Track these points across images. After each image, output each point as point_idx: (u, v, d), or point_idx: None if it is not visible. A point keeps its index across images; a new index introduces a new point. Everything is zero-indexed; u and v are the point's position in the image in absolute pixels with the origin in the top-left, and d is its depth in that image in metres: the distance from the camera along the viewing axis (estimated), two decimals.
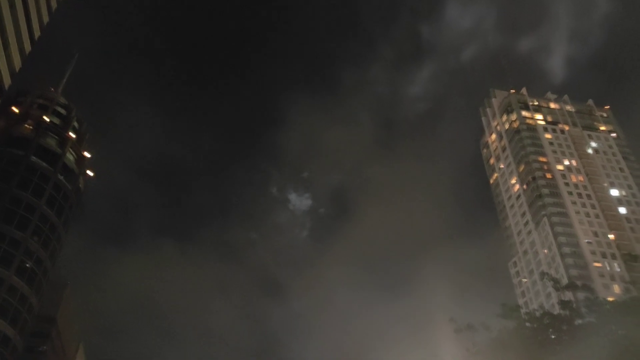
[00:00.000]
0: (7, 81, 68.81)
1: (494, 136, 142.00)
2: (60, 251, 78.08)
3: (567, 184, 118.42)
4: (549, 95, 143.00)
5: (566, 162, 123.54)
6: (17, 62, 69.92)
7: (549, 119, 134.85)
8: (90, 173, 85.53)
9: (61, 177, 77.22)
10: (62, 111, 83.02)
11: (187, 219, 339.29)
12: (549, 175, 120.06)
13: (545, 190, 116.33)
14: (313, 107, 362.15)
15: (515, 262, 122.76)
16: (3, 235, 67.92)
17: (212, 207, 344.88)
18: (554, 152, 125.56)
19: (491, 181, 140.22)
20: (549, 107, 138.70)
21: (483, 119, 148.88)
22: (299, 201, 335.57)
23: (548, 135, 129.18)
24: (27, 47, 71.95)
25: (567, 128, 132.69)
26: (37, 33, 73.70)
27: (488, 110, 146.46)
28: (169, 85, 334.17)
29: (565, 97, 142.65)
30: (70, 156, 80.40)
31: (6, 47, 66.25)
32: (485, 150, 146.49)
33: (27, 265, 69.68)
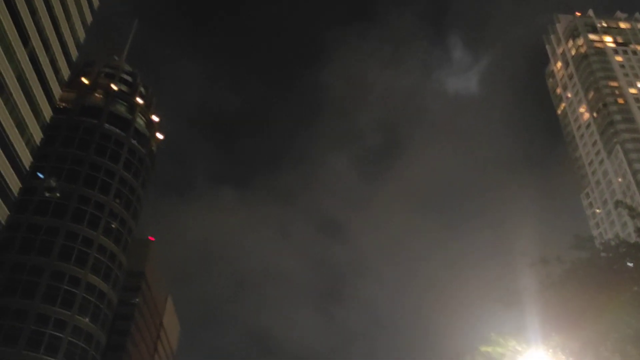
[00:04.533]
0: (73, 53, 71.80)
1: (559, 64, 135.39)
2: (141, 211, 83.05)
3: None
4: (619, 14, 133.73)
5: (639, 85, 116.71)
6: (81, 34, 72.60)
7: (619, 40, 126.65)
8: (160, 136, 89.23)
9: (134, 142, 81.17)
10: (128, 78, 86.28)
11: (240, 166, 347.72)
12: (621, 101, 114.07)
13: (617, 117, 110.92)
14: (359, 47, 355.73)
15: (587, 194, 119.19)
16: (88, 199, 72.75)
17: (264, 152, 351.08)
18: (626, 75, 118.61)
19: (558, 112, 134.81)
20: (618, 28, 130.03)
21: (547, 47, 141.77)
22: (350, 142, 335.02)
23: (619, 58, 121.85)
24: (88, 17, 74.40)
25: (639, 48, 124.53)
26: (96, 3, 75.94)
27: (552, 37, 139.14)
28: (208, 32, 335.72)
29: (637, 14, 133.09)
30: (140, 121, 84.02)
31: (69, 19, 68.84)
32: (550, 80, 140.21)
33: (113, 225, 74.71)
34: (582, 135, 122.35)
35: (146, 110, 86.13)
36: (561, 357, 19.09)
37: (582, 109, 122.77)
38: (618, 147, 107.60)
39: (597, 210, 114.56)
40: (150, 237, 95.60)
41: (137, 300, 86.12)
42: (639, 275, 18.33)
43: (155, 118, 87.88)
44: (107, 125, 78.87)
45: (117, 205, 75.67)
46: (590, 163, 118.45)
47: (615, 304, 17.88)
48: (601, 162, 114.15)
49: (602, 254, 20.24)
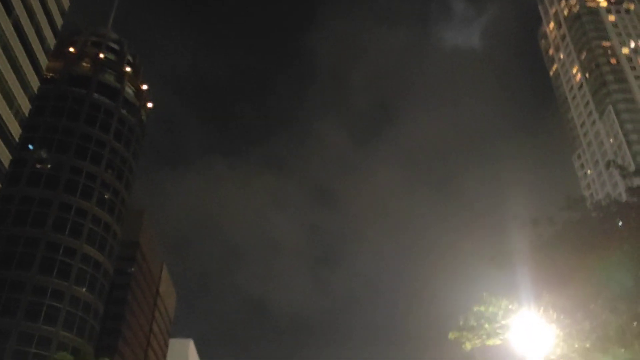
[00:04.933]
0: (58, 21, 70.29)
1: (552, 25, 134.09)
2: (134, 181, 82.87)
3: (633, 68, 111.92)
4: None
5: (632, 45, 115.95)
6: (66, 1, 70.98)
7: None
8: (149, 105, 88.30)
9: (124, 111, 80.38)
10: (115, 46, 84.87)
11: (232, 134, 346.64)
12: (613, 61, 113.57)
13: (610, 77, 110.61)
14: (350, 7, 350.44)
15: (579, 155, 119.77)
16: (79, 170, 72.44)
17: (255, 120, 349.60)
18: (619, 34, 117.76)
19: (551, 73, 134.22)
20: None
21: (540, 7, 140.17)
22: (341, 107, 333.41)
23: (611, 17, 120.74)
24: None
25: (632, 7, 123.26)
26: None
27: None
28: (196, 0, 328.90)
29: None
30: (129, 90, 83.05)
31: None
32: (543, 41, 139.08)
33: (106, 196, 74.61)
34: (574, 97, 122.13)
35: (135, 78, 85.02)
36: (552, 315, 19.42)
37: (574, 70, 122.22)
38: (610, 107, 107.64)
39: (589, 171, 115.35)
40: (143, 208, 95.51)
41: (132, 269, 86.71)
42: (629, 234, 18.53)
43: (144, 87, 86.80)
44: (96, 95, 77.96)
45: (109, 175, 75.44)
46: (582, 124, 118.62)
47: (605, 263, 18.14)
48: (593, 123, 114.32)
49: (593, 215, 20.40)
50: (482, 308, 20.73)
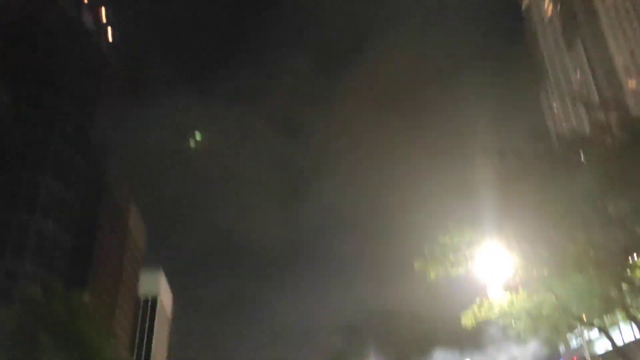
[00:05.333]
0: None
1: None
2: (97, 115, 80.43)
3: (603, 1, 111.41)
4: None
5: None
6: None
7: None
8: (109, 35, 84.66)
9: (84, 41, 76.87)
10: None
11: (196, 66, 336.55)
12: None
13: (580, 9, 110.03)
14: None
15: (546, 89, 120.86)
16: (39, 102, 69.82)
17: (219, 50, 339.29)
18: None
19: (523, 7, 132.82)
20: None
21: None
22: (309, 35, 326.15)
23: None
24: None
25: None
26: None
27: None
28: None
29: None
30: (88, 18, 79.09)
31: None
32: None
33: (68, 130, 72.48)
34: (544, 31, 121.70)
35: (93, 6, 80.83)
36: (514, 244, 20.01)
37: (546, 3, 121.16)
38: (579, 41, 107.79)
39: (555, 105, 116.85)
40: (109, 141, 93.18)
41: (100, 204, 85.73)
42: (590, 168, 18.93)
43: (103, 15, 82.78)
44: (52, 24, 73.99)
45: (71, 107, 72.97)
46: (551, 58, 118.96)
47: (566, 195, 18.58)
48: (561, 57, 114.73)
49: (557, 148, 20.71)
50: (447, 239, 21.25)
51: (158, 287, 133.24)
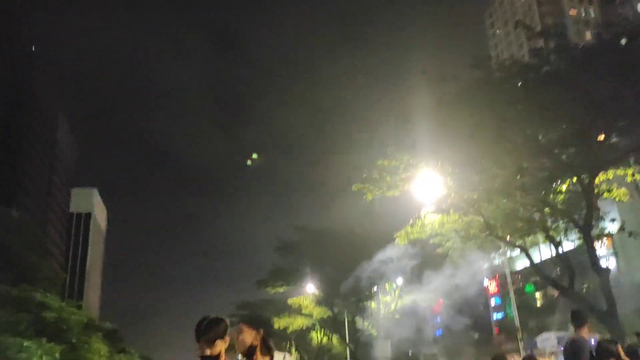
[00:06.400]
0: None
1: None
2: (19, 16, 74.15)
3: None
4: None
5: None
6: None
7: None
8: None
9: None
10: None
11: None
12: None
13: None
14: None
15: (490, 13, 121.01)
16: None
17: None
18: None
19: None
20: None
21: None
22: None
23: None
24: None
25: None
26: None
27: None
28: None
29: None
30: None
31: None
32: None
33: None
34: None
35: None
36: (447, 168, 20.51)
37: None
38: None
39: (498, 31, 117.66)
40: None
41: (24, 115, 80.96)
42: (525, 95, 19.27)
43: None
44: None
45: None
46: None
47: (499, 121, 19.01)
48: None
49: (496, 74, 20.88)
50: (385, 162, 21.55)
51: (92, 204, 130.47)
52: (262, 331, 3.94)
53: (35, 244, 50.20)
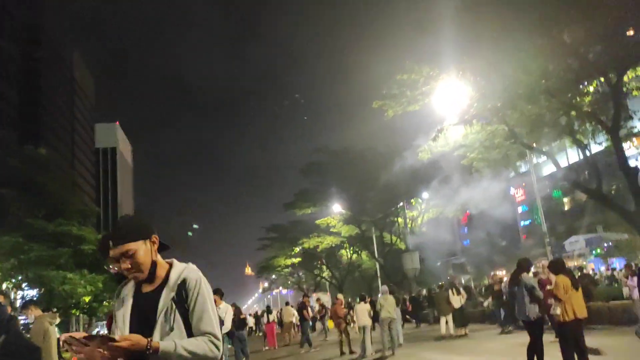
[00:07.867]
0: None
1: None
2: None
3: None
4: None
5: None
6: None
7: None
8: None
9: None
10: None
11: None
12: None
13: None
14: None
15: None
16: None
17: None
18: None
19: None
20: None
21: None
22: None
23: None
24: None
25: None
26: None
27: None
28: None
29: None
30: None
31: None
32: None
33: None
34: None
35: None
36: (469, 77, 19.96)
37: None
38: None
39: None
40: None
41: (39, 54, 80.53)
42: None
43: None
44: None
45: None
46: None
47: (523, 24, 18.18)
48: None
49: None
50: (405, 76, 21.03)
51: (116, 138, 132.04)
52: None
53: (66, 180, 51.40)
